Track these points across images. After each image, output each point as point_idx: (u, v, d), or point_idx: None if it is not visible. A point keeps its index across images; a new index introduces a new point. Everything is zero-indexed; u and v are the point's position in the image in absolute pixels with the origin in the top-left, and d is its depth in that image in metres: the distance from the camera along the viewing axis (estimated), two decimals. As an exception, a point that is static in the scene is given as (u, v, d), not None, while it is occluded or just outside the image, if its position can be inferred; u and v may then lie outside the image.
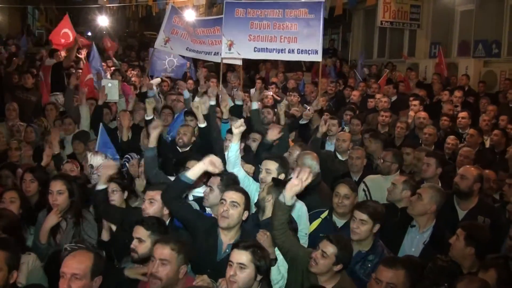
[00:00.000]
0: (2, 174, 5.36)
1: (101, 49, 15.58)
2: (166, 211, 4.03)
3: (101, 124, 6.58)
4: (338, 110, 9.06)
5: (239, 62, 9.61)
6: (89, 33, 24.11)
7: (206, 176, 4.70)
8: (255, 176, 5.00)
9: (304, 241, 4.19)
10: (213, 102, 6.59)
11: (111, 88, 8.24)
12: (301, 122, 7.21)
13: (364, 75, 13.28)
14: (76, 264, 2.95)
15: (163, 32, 9.69)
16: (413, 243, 4.23)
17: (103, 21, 22.95)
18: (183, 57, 10.84)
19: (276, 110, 7.87)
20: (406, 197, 4.61)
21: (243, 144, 5.60)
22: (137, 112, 7.56)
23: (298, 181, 3.46)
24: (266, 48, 8.40)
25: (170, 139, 6.80)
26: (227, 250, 3.54)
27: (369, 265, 3.84)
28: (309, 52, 8.21)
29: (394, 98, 9.76)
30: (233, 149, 4.64)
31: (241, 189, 3.89)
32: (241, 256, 3.09)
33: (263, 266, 3.12)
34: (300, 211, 4.38)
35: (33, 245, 4.12)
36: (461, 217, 4.67)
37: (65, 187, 4.24)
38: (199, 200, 4.51)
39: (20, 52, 15.07)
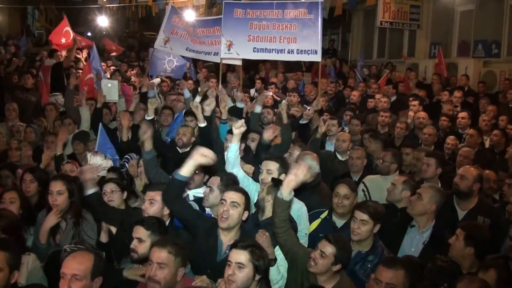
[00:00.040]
0: (2, 174, 5.36)
1: (101, 49, 15.60)
2: (166, 212, 4.03)
3: (100, 124, 6.58)
4: (338, 110, 9.06)
5: (239, 63, 9.61)
6: (89, 33, 24.12)
7: (205, 175, 4.74)
8: (255, 176, 5.00)
9: (304, 241, 4.20)
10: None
11: (111, 88, 8.25)
12: (302, 122, 7.22)
13: (364, 75, 13.28)
14: (76, 265, 2.95)
15: (163, 32, 9.69)
16: (413, 243, 4.23)
17: (103, 21, 22.98)
18: (183, 57, 10.84)
19: (276, 110, 7.89)
20: (406, 197, 4.61)
21: (243, 145, 5.60)
22: (137, 112, 7.56)
23: (293, 176, 3.48)
24: (266, 48, 8.39)
25: (169, 140, 6.80)
26: (227, 251, 3.53)
27: (369, 265, 3.85)
28: (309, 52, 8.20)
29: (393, 98, 9.77)
30: (233, 149, 4.64)
31: (241, 189, 3.89)
32: (240, 256, 3.10)
33: (261, 266, 3.13)
34: (300, 211, 4.38)
35: (33, 245, 4.12)
36: (460, 217, 4.67)
37: (65, 188, 4.25)
38: (199, 200, 4.51)
39: (20, 52, 15.07)
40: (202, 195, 4.46)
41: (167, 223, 3.97)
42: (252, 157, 5.64)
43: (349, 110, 8.34)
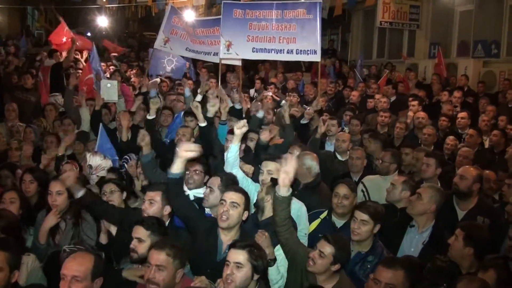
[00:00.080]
0: (2, 175, 5.36)
1: (101, 49, 15.59)
2: (165, 212, 4.03)
3: (101, 124, 6.58)
4: (337, 111, 9.07)
5: (238, 63, 9.61)
6: (89, 34, 24.10)
7: (205, 175, 4.74)
8: (255, 177, 5.00)
9: (303, 241, 4.19)
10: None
11: (110, 89, 8.24)
12: (302, 121, 7.21)
13: (364, 76, 13.28)
14: (76, 266, 2.95)
15: (163, 32, 9.69)
16: (412, 243, 4.23)
17: (102, 21, 22.96)
18: (183, 57, 10.84)
19: (276, 110, 7.89)
20: (406, 198, 4.61)
21: (243, 145, 5.60)
22: (137, 112, 7.56)
23: (285, 174, 3.51)
24: (265, 48, 8.39)
25: (168, 141, 6.79)
26: (227, 251, 3.53)
27: (369, 266, 3.84)
28: (308, 52, 8.20)
29: (393, 98, 9.76)
30: (233, 150, 4.64)
31: (241, 189, 3.90)
32: (238, 256, 3.12)
33: (259, 266, 3.14)
34: (300, 211, 4.38)
35: (32, 246, 4.12)
36: (460, 217, 4.67)
37: (64, 188, 4.24)
38: (199, 200, 4.50)
39: (20, 52, 15.06)
40: (202, 195, 4.46)
41: (166, 223, 3.97)
42: (252, 157, 5.63)
43: (349, 110, 8.34)
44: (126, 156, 5.98)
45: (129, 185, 5.34)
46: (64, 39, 12.14)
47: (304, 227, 4.35)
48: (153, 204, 4.02)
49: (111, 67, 13.41)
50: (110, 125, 7.39)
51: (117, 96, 8.48)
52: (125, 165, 5.89)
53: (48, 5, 25.25)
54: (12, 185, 5.12)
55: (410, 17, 14.95)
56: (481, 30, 12.90)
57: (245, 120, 4.71)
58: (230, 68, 12.27)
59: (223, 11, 8.49)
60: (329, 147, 6.86)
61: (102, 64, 12.02)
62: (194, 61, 12.34)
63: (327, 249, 3.50)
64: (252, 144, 5.95)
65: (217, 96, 6.73)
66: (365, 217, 3.89)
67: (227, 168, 4.61)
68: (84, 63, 11.72)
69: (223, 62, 9.19)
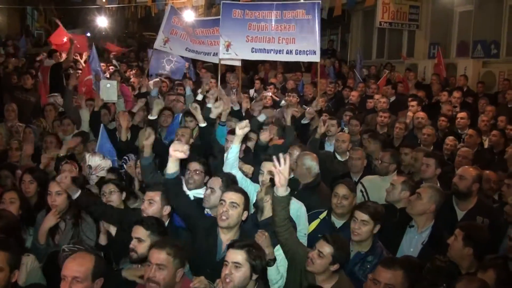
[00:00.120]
0: (2, 175, 5.37)
1: (101, 50, 15.59)
2: (165, 212, 4.04)
3: (102, 125, 6.58)
4: (337, 111, 9.06)
5: (238, 63, 9.61)
6: (88, 34, 24.10)
7: (205, 176, 4.73)
8: (254, 177, 5.00)
9: (303, 241, 4.20)
10: (210, 105, 6.58)
11: (110, 89, 8.24)
12: (303, 121, 7.19)
13: (363, 76, 13.28)
14: (77, 267, 2.95)
15: (162, 32, 9.70)
16: (412, 243, 4.23)
17: (102, 22, 22.96)
18: (182, 57, 10.84)
19: (275, 110, 7.89)
20: (405, 198, 4.61)
21: (243, 146, 5.59)
22: (137, 113, 7.56)
23: (280, 175, 3.52)
24: (264, 49, 8.39)
25: (167, 142, 6.79)
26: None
27: (368, 266, 3.84)
28: (307, 53, 8.20)
29: (393, 98, 9.76)
30: (234, 151, 4.64)
31: (240, 189, 3.91)
32: (236, 255, 3.13)
33: (258, 265, 3.15)
34: (299, 211, 4.39)
35: (32, 246, 4.13)
36: (460, 217, 4.67)
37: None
38: (198, 201, 4.50)
39: (19, 53, 15.06)
40: (202, 196, 4.46)
41: (166, 223, 3.98)
42: (252, 158, 5.63)
43: (348, 110, 8.34)
44: (125, 157, 5.98)
45: (129, 185, 5.33)
46: (65, 39, 12.14)
47: (304, 227, 4.35)
48: (153, 204, 4.03)
49: (110, 67, 13.41)
50: (110, 125, 7.39)
51: (116, 96, 8.48)
52: (124, 165, 5.89)
53: (48, 5, 25.26)
54: (12, 185, 5.12)
55: (410, 18, 14.95)
56: (480, 31, 12.90)
57: (247, 121, 4.71)
58: (230, 68, 12.27)
59: (222, 11, 8.49)
60: (329, 147, 6.86)
61: (102, 64, 12.02)
62: (194, 61, 12.34)
63: (326, 249, 3.51)
64: (251, 144, 5.96)
65: (219, 98, 6.74)
66: (365, 217, 3.90)
67: (226, 169, 4.61)
68: (83, 64, 11.71)
69: (223, 62, 9.19)
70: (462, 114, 7.73)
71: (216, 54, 8.89)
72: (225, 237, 3.71)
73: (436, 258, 3.66)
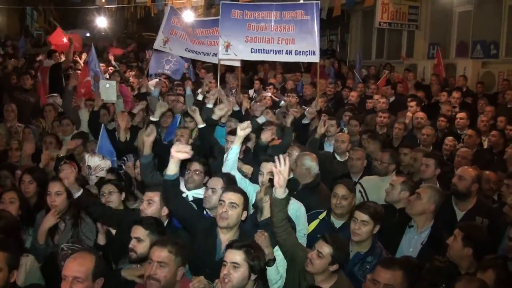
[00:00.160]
0: (1, 175, 5.37)
1: (100, 50, 15.57)
2: (164, 212, 4.04)
3: (102, 126, 6.58)
4: (336, 111, 9.06)
5: (237, 64, 9.62)
6: (88, 34, 24.11)
7: (205, 176, 4.73)
8: (254, 177, 4.99)
9: (302, 241, 4.20)
10: (210, 105, 6.59)
11: (109, 89, 8.24)
12: (304, 121, 7.17)
13: (362, 76, 13.28)
14: (77, 267, 2.95)
15: (162, 33, 9.70)
16: (411, 243, 4.24)
17: (101, 22, 22.95)
18: (182, 58, 10.84)
19: (275, 111, 7.88)
20: (405, 198, 4.61)
21: (244, 146, 5.59)
22: (137, 113, 7.56)
23: (279, 175, 3.52)
24: (263, 49, 8.40)
25: (166, 143, 6.79)
26: (226, 251, 3.55)
27: (368, 266, 3.84)
28: (307, 53, 8.21)
29: (392, 99, 9.76)
30: (234, 151, 4.63)
31: (240, 189, 3.91)
32: (235, 256, 3.14)
33: (256, 266, 3.16)
34: (299, 211, 4.39)
35: (31, 246, 4.12)
36: (459, 217, 4.67)
37: (63, 188, 4.25)
38: (198, 201, 4.50)
39: (19, 53, 15.06)
40: (201, 196, 4.46)
41: (165, 223, 3.98)
42: (252, 158, 5.63)
43: (348, 110, 8.34)
44: (124, 157, 5.98)
45: (128, 186, 5.33)
46: (65, 40, 12.15)
47: (303, 228, 4.35)
48: (152, 205, 4.03)
49: (110, 68, 13.41)
50: (109, 126, 7.39)
51: (116, 96, 8.48)
52: (123, 165, 5.89)
53: (47, 5, 25.27)
54: (11, 185, 5.12)
55: (409, 18, 14.96)
56: (480, 31, 12.91)
57: (249, 122, 4.71)
58: (229, 68, 12.27)
59: (222, 12, 8.50)
60: (328, 147, 6.86)
61: (102, 64, 12.01)
62: (193, 62, 12.34)
63: (325, 249, 3.51)
64: (250, 144, 5.95)
65: (219, 99, 6.73)
66: (365, 217, 3.90)
67: (226, 169, 4.60)
68: (82, 64, 11.71)
69: (222, 62, 9.20)
70: (462, 115, 7.74)
71: (215, 54, 8.90)
72: (225, 237, 3.71)
73: (435, 259, 3.66)
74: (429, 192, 4.32)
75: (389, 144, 6.95)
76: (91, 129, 7.24)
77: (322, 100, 9.12)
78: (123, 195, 4.66)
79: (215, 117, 5.89)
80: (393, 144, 7.13)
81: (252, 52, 8.45)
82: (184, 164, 4.68)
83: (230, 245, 3.25)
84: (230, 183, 4.18)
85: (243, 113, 7.62)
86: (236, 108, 7.62)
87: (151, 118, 6.59)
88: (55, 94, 9.17)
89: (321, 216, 4.50)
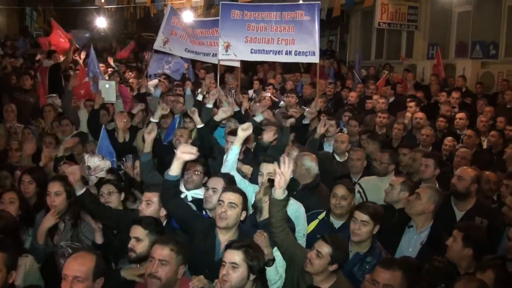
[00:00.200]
0: (1, 175, 5.36)
1: (100, 50, 15.56)
2: (163, 213, 4.04)
3: (103, 126, 6.58)
4: (336, 111, 9.07)
5: (237, 64, 9.62)
6: (87, 35, 24.09)
7: (204, 176, 4.73)
8: (254, 177, 4.99)
9: (302, 242, 4.20)
10: (210, 105, 6.58)
11: (108, 89, 8.24)
12: (304, 122, 7.17)
13: (362, 76, 13.29)
14: (78, 267, 2.95)
15: (162, 33, 9.72)
16: (411, 243, 4.24)
17: (101, 22, 22.96)
18: (182, 58, 10.85)
19: (274, 111, 7.88)
20: (404, 198, 4.62)
21: (244, 147, 5.58)
22: (136, 114, 7.56)
23: (280, 176, 3.52)
24: (263, 49, 8.41)
25: (165, 143, 6.79)
26: (225, 251, 3.55)
27: (367, 266, 3.84)
28: (307, 54, 8.22)
29: (392, 99, 9.77)
30: (234, 152, 4.63)
31: (239, 189, 3.91)
32: (234, 256, 3.14)
33: (255, 266, 3.17)
34: (298, 212, 4.39)
35: (31, 246, 4.12)
36: (458, 218, 4.68)
37: (63, 189, 4.24)
38: (197, 201, 4.50)
39: (18, 53, 15.06)
40: (200, 196, 4.46)
41: (164, 224, 3.98)
42: (252, 159, 5.63)
43: (347, 111, 8.34)
44: (123, 158, 5.98)
45: (128, 186, 5.33)
46: (62, 40, 12.15)
47: (302, 228, 4.35)
48: (150, 205, 4.04)
49: (109, 69, 13.41)
50: (108, 126, 7.40)
51: (115, 96, 8.49)
52: (122, 166, 5.89)
53: (47, 6, 25.26)
54: (11, 185, 5.12)
55: (409, 18, 14.97)
56: (479, 31, 12.91)
57: (250, 123, 4.71)
58: (229, 69, 12.28)
59: (221, 12, 8.51)
60: (328, 148, 6.85)
61: (101, 65, 12.02)
62: (193, 62, 12.35)
63: (325, 249, 3.51)
64: (250, 144, 5.95)
65: (218, 100, 6.72)
66: (365, 217, 3.90)
67: (225, 170, 4.59)
68: (82, 63, 11.71)
69: (222, 63, 9.20)
70: (461, 115, 7.75)
71: (215, 54, 8.91)
72: (224, 238, 3.70)
73: (435, 259, 3.67)
74: (428, 192, 4.33)
75: (389, 145, 6.95)
76: (90, 128, 7.22)
77: (322, 101, 9.11)
78: (123, 195, 4.66)
79: (217, 118, 5.89)
80: (392, 144, 7.13)
81: (252, 53, 8.45)
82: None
83: (229, 246, 3.25)
84: (230, 184, 4.18)
85: (243, 113, 7.62)
86: (236, 109, 7.61)
87: (151, 119, 6.58)
88: (54, 95, 9.16)
89: (321, 217, 4.50)
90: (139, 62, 16.33)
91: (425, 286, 3.47)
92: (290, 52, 8.27)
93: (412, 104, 8.42)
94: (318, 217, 4.51)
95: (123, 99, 9.09)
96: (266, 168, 4.57)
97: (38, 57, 13.52)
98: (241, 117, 7.26)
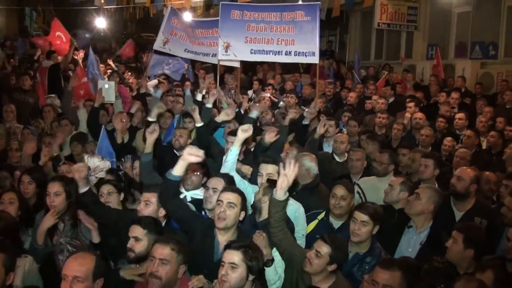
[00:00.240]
0: (0, 176, 5.36)
1: (99, 50, 15.54)
2: (161, 213, 4.03)
3: (103, 127, 6.58)
4: (335, 112, 9.07)
5: (237, 64, 9.63)
6: (87, 35, 24.07)
7: (203, 177, 4.73)
8: (253, 177, 4.99)
9: (301, 242, 4.21)
10: (210, 105, 6.58)
11: (108, 90, 8.25)
12: (304, 122, 7.16)
13: (361, 77, 13.29)
14: (78, 267, 2.95)
15: (162, 33, 9.71)
16: (410, 243, 4.24)
17: (100, 23, 22.95)
18: (182, 59, 10.85)
19: (274, 111, 7.88)
20: (404, 199, 4.62)
21: (244, 147, 5.58)
22: (135, 114, 7.56)
23: (284, 177, 3.51)
24: (263, 50, 8.41)
25: (165, 144, 6.79)
26: (224, 251, 3.55)
27: (367, 267, 3.84)
28: (306, 54, 8.24)
29: (391, 99, 9.78)
30: (233, 153, 4.63)
31: (237, 189, 3.91)
32: (233, 256, 3.15)
33: (254, 266, 3.17)
34: (297, 212, 4.39)
35: (30, 247, 4.12)
36: (457, 218, 4.68)
37: (63, 189, 4.24)
38: (196, 202, 4.50)
39: (17, 54, 15.04)
40: (199, 197, 4.46)
41: (163, 224, 3.98)
42: (252, 160, 5.63)
43: (347, 111, 8.34)
44: (122, 158, 5.98)
45: (128, 186, 5.33)
46: (58, 42, 12.13)
47: (302, 228, 4.36)
48: (149, 206, 4.03)
49: (108, 71, 13.40)
50: (108, 126, 7.40)
51: (114, 97, 8.49)
52: (121, 166, 5.89)
53: (46, 6, 25.25)
54: (10, 186, 5.11)
55: (408, 19, 14.99)
56: (478, 32, 12.92)
57: (250, 125, 4.71)
58: (229, 69, 12.29)
59: (221, 12, 8.51)
60: (327, 148, 6.86)
61: (101, 65, 12.00)
62: (193, 62, 12.34)
63: (324, 249, 3.51)
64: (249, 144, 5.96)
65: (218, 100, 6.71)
66: (365, 218, 3.90)
67: (225, 170, 4.59)
68: (80, 61, 11.69)
69: (222, 63, 9.21)
70: (460, 115, 7.75)
71: (215, 55, 8.92)
72: (223, 238, 3.70)
73: (434, 259, 3.67)
74: (428, 192, 4.33)
75: (388, 145, 6.95)
76: (90, 128, 7.22)
77: (321, 101, 9.11)
78: (122, 195, 4.66)
79: (218, 120, 5.89)
80: (391, 144, 7.13)
81: (251, 53, 8.46)
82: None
83: (228, 246, 3.25)
84: (229, 184, 4.18)
85: (243, 113, 7.63)
86: (235, 109, 7.62)
87: (148, 119, 6.57)
88: (53, 95, 9.16)
89: (320, 217, 4.50)
90: (138, 63, 16.30)
91: (424, 287, 3.47)
92: (290, 53, 8.28)
93: (412, 104, 8.43)
94: (318, 217, 4.51)
95: (123, 100, 9.09)
96: (265, 169, 4.57)
97: (37, 56, 13.47)
98: (240, 117, 7.27)
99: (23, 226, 4.31)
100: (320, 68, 9.92)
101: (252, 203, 4.21)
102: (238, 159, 4.88)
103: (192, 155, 3.63)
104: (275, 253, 3.79)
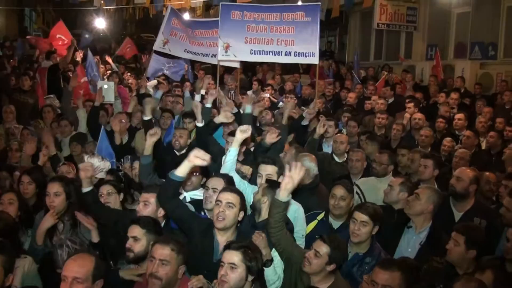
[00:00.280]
0: (0, 176, 5.35)
1: (99, 51, 15.53)
2: (160, 214, 4.03)
3: (102, 127, 6.58)
4: (335, 112, 9.08)
5: (237, 65, 9.63)
6: (87, 35, 24.05)
7: (203, 177, 4.73)
8: (253, 178, 4.99)
9: (300, 242, 4.21)
10: (209, 105, 6.58)
11: (107, 90, 8.25)
12: (303, 123, 7.17)
13: (361, 77, 13.29)
14: (77, 268, 2.95)
15: (162, 34, 9.71)
16: (410, 243, 4.24)
17: (100, 23, 22.94)
18: (182, 59, 10.84)
19: (274, 112, 7.88)
20: (403, 199, 4.62)
21: (244, 147, 5.58)
22: (134, 114, 7.55)
23: (289, 178, 3.50)
24: (263, 50, 8.42)
25: (165, 144, 6.79)
26: (224, 251, 3.55)
27: (366, 267, 3.84)
28: (306, 54, 8.24)
29: (390, 100, 9.78)
30: (232, 153, 4.61)
31: (236, 189, 3.91)
32: (232, 256, 3.14)
33: (254, 267, 3.16)
34: (297, 212, 4.39)
35: (30, 247, 4.11)
36: (457, 218, 4.68)
37: (62, 189, 4.24)
38: (195, 202, 4.50)
39: (17, 54, 15.04)
40: (199, 197, 4.45)
41: (162, 224, 3.97)
42: (252, 160, 5.62)
43: (346, 111, 8.35)
44: (122, 158, 5.98)
45: (128, 187, 5.33)
46: (59, 43, 12.14)
47: (301, 229, 4.35)
48: (148, 206, 4.03)
49: (108, 71, 13.41)
50: (107, 127, 7.40)
51: (113, 97, 8.49)
52: (120, 167, 5.89)
53: (46, 6, 25.23)
54: (10, 186, 5.11)
55: (408, 19, 15.00)
56: (478, 32, 12.94)
57: (249, 125, 4.70)
58: (228, 69, 12.29)
59: (221, 13, 8.52)
60: (327, 148, 6.86)
61: (101, 66, 12.01)
62: (192, 63, 12.35)
63: (323, 248, 3.52)
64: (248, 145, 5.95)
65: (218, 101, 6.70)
66: (365, 218, 3.90)
67: (224, 171, 4.58)
68: (80, 60, 11.70)
69: (221, 63, 9.21)
70: (460, 116, 7.76)
71: (214, 55, 8.92)
72: (222, 239, 3.70)
73: (433, 259, 3.67)
74: (427, 192, 4.34)
75: (387, 145, 6.95)
76: (90, 127, 7.21)
77: (321, 101, 9.13)
78: (121, 196, 4.66)
79: (217, 121, 5.89)
80: (391, 145, 7.13)
81: (251, 53, 8.46)
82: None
83: (227, 246, 3.24)
84: (229, 184, 4.18)
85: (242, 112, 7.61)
86: (234, 110, 7.61)
87: (144, 118, 6.55)
88: (52, 96, 9.16)
89: (319, 217, 4.51)
90: (138, 63, 16.30)
91: (424, 287, 3.47)
92: (290, 53, 8.28)
93: (411, 105, 8.43)
94: (317, 217, 4.51)
95: (122, 100, 9.09)
96: (265, 169, 4.57)
97: (36, 56, 13.46)
98: (240, 117, 7.27)
99: (22, 227, 4.31)
100: (319, 68, 9.93)
101: (251, 203, 4.20)
102: (238, 160, 4.88)
103: (198, 158, 3.61)
104: (274, 253, 3.79)
